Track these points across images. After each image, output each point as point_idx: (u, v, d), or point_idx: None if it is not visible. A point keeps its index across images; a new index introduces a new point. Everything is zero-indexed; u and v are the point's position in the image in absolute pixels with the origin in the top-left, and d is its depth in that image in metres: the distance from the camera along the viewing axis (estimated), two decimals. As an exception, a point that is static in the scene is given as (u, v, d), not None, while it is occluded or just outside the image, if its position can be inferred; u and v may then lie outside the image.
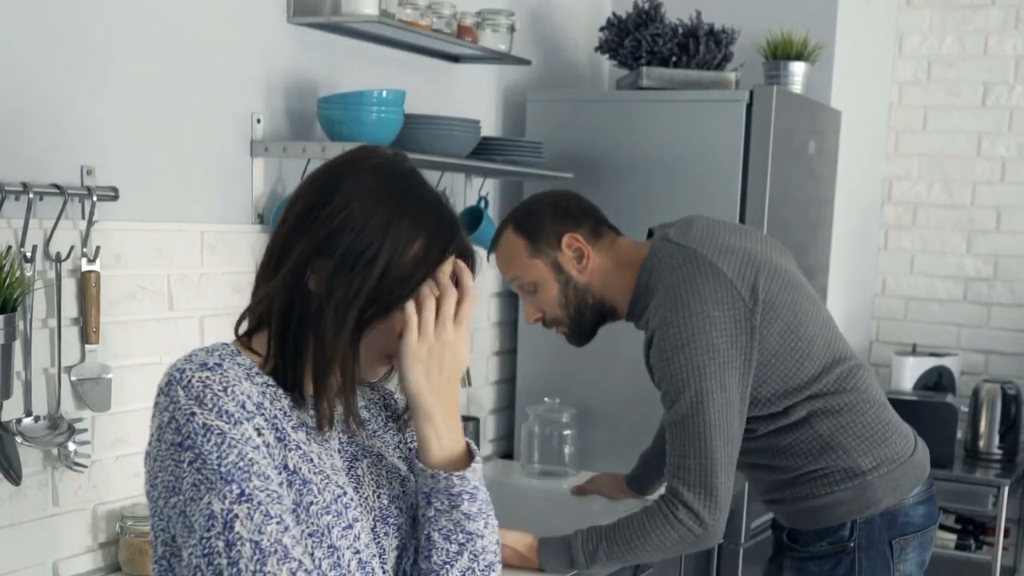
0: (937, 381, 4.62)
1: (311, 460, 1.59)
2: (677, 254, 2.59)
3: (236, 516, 1.46)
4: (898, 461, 2.63)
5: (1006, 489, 4.16)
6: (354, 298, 1.55)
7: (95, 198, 2.33)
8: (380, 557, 1.65)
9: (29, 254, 2.25)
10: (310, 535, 1.55)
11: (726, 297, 2.51)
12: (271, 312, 1.60)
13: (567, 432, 3.52)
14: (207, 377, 1.51)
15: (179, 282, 2.60)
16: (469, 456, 1.65)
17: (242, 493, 1.47)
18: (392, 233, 1.56)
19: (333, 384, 1.60)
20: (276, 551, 1.46)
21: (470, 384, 3.20)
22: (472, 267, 1.65)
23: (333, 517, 1.57)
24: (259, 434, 1.53)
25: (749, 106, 3.40)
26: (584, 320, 2.73)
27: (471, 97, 3.57)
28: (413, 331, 1.58)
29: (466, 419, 3.45)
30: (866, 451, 2.59)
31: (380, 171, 1.62)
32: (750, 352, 2.51)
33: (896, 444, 2.64)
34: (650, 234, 2.72)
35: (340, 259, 1.55)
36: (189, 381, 1.51)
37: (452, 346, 1.59)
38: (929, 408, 4.30)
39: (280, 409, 1.59)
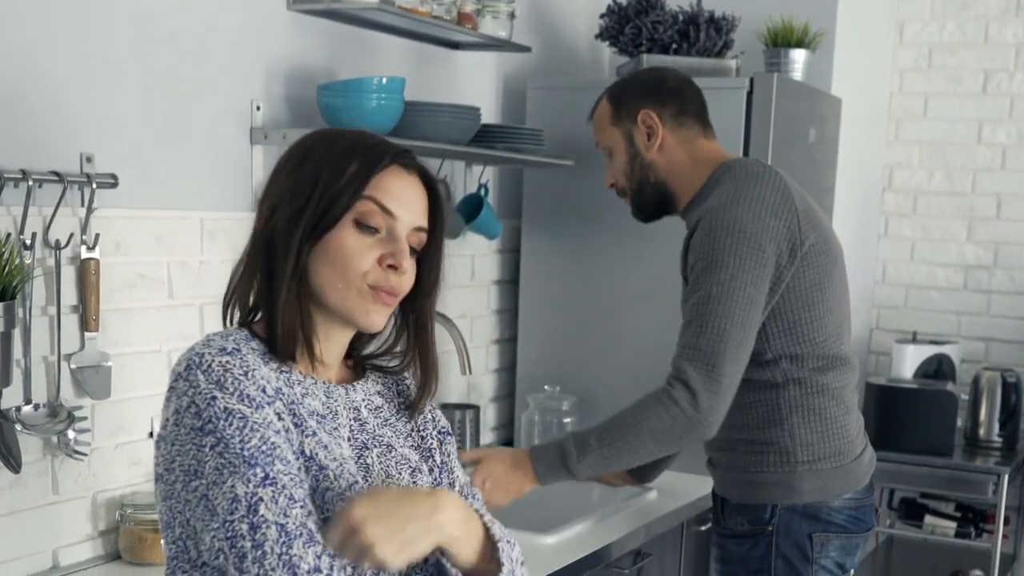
0: (937, 369, 4.61)
1: (325, 446, 1.59)
2: (761, 168, 2.69)
3: (261, 499, 1.46)
4: (832, 462, 2.63)
5: (1006, 477, 4.15)
6: (297, 221, 1.58)
7: (94, 185, 2.33)
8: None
9: (28, 241, 2.25)
10: (324, 522, 1.55)
11: (785, 216, 2.57)
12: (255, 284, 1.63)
13: (567, 420, 3.51)
14: (227, 361, 1.52)
15: (179, 270, 2.60)
16: (492, 544, 1.62)
17: (266, 476, 1.47)
18: (329, 160, 1.61)
19: (286, 311, 1.60)
20: (302, 534, 1.47)
21: (470, 372, 3.20)
22: (425, 174, 1.69)
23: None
24: (279, 419, 1.54)
25: (750, 93, 3.39)
26: (644, 197, 2.78)
27: (471, 84, 3.56)
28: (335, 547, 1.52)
29: (466, 407, 3.45)
30: (808, 443, 2.61)
31: (314, 135, 1.69)
32: (785, 273, 2.55)
33: (839, 447, 2.64)
34: None
35: (289, 199, 1.60)
36: (209, 365, 1.51)
37: (367, 522, 1.49)
38: (929, 396, 4.30)
39: (296, 395, 1.60)
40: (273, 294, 1.60)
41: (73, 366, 2.38)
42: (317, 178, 1.59)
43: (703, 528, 3.33)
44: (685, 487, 3.27)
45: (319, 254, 1.60)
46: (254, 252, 1.63)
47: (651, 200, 2.78)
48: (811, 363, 2.61)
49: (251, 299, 1.66)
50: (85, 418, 2.38)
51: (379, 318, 1.65)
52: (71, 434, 2.35)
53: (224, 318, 1.68)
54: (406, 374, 1.80)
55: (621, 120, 2.75)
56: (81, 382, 2.39)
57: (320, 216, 1.59)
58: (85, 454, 2.38)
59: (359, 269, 1.60)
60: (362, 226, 1.61)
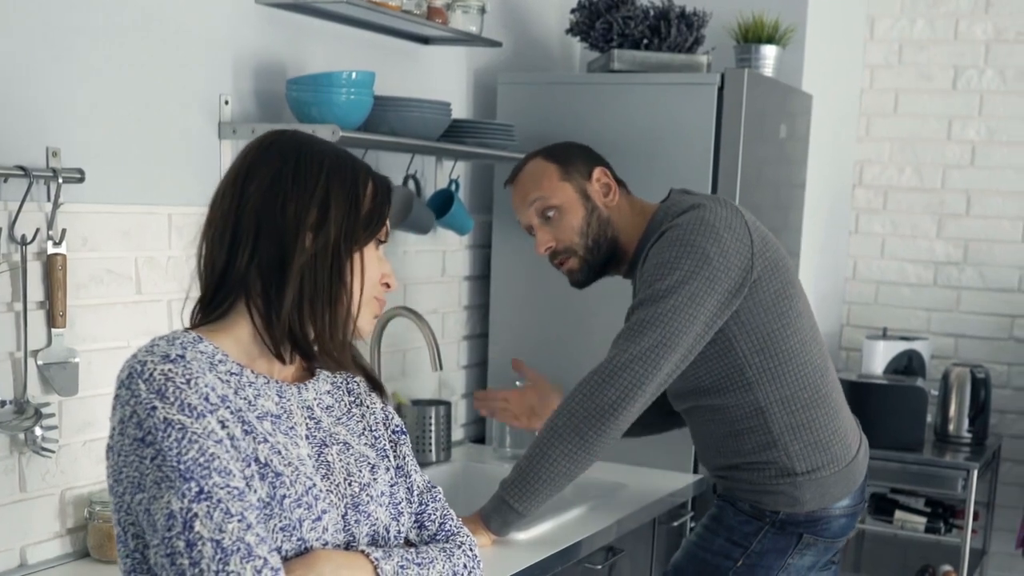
0: (907, 365, 4.64)
1: (279, 452, 1.58)
2: (699, 196, 2.74)
3: (195, 515, 1.45)
4: (831, 468, 2.68)
5: (975, 472, 4.17)
6: (353, 232, 1.64)
7: (61, 180, 2.31)
8: (349, 545, 1.65)
9: (-6, 237, 2.23)
10: (282, 529, 1.54)
11: (738, 229, 2.60)
12: (249, 280, 1.62)
13: (539, 416, 3.50)
14: (169, 370, 1.50)
15: (147, 265, 2.58)
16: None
17: (201, 491, 1.45)
18: (352, 179, 1.66)
19: (345, 322, 1.66)
20: (239, 549, 1.45)
21: (441, 368, 3.19)
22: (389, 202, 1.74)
23: (304, 510, 1.57)
24: (223, 427, 1.52)
25: (720, 89, 3.39)
26: (598, 253, 2.79)
27: (441, 79, 3.55)
28: None
29: (437, 403, 3.44)
30: (805, 456, 2.65)
31: (315, 140, 1.71)
32: (737, 287, 2.56)
33: (835, 452, 2.69)
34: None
35: (343, 205, 1.64)
36: (151, 374, 1.49)
37: None
38: (899, 392, 4.32)
39: (244, 399, 1.59)
40: (315, 297, 1.63)
41: (40, 362, 2.35)
42: (354, 195, 1.65)
43: (675, 524, 3.33)
44: (657, 483, 3.27)
45: None
46: (305, 261, 1.62)
47: (603, 257, 2.81)
48: (791, 379, 2.63)
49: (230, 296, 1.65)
50: (52, 415, 2.36)
51: (373, 325, 1.75)
52: (38, 431, 2.32)
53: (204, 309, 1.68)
54: (356, 376, 1.82)
55: (572, 176, 2.77)
56: (48, 379, 2.36)
57: (363, 229, 1.66)
58: (52, 451, 2.35)
59: (373, 282, 1.69)
60: (378, 242, 1.70)
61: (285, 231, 1.61)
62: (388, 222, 1.71)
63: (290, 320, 1.62)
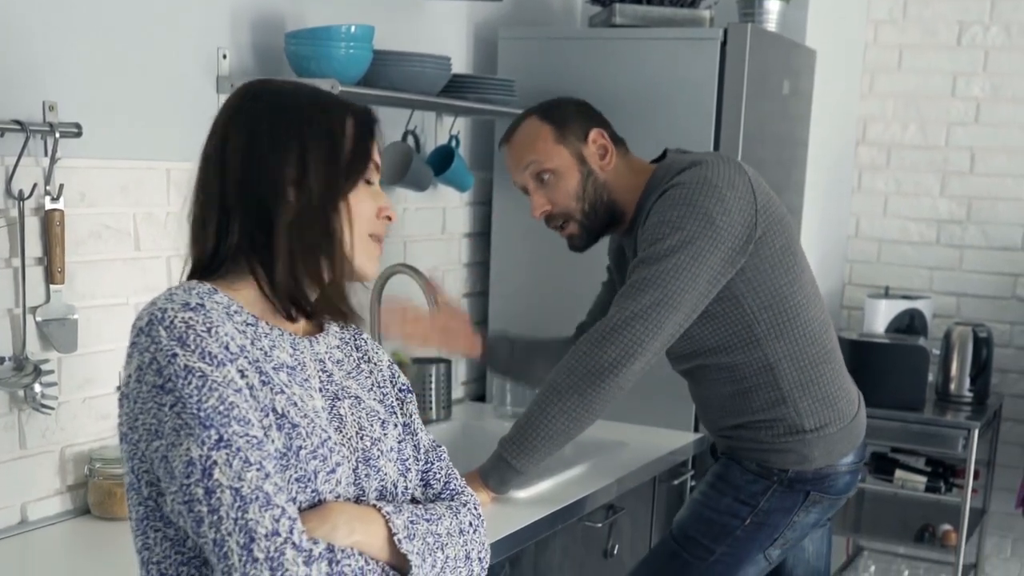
0: (909, 324, 4.63)
1: (295, 404, 1.58)
2: (698, 153, 2.71)
3: (215, 463, 1.44)
4: (838, 424, 2.70)
5: (976, 431, 4.17)
6: (335, 180, 1.62)
7: (58, 135, 2.28)
8: (359, 499, 1.64)
9: (-9, 192, 2.21)
10: (297, 480, 1.54)
11: (741, 187, 2.58)
12: (244, 245, 1.61)
13: (539, 374, 3.49)
14: (190, 318, 1.50)
15: (145, 221, 2.56)
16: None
17: (220, 439, 1.45)
18: (326, 120, 1.64)
19: (341, 271, 1.64)
20: (257, 498, 1.44)
21: (442, 325, 3.17)
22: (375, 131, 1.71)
23: (319, 462, 1.57)
24: (242, 376, 1.52)
25: (723, 44, 3.36)
26: (596, 217, 2.75)
27: (441, 34, 3.52)
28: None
29: (437, 361, 3.43)
30: (814, 412, 2.66)
31: (288, 89, 1.68)
32: (741, 245, 2.55)
33: (841, 408, 2.71)
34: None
35: (322, 155, 1.61)
36: (172, 321, 1.49)
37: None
38: (901, 351, 4.31)
39: (261, 349, 1.59)
40: (307, 254, 1.61)
41: (39, 319, 2.34)
42: (332, 141, 1.63)
43: (675, 482, 3.33)
44: (658, 441, 3.27)
45: None
46: (291, 220, 1.60)
47: (601, 221, 2.76)
48: (799, 335, 2.64)
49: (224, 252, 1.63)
50: (52, 371, 2.35)
51: (377, 265, 1.72)
52: (37, 388, 2.32)
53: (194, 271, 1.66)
54: (363, 332, 1.82)
55: (567, 139, 2.72)
56: (47, 335, 2.35)
57: (346, 175, 1.63)
58: (52, 408, 2.35)
59: (365, 220, 1.66)
60: (367, 181, 1.67)
61: (266, 195, 1.59)
62: (377, 157, 1.69)
63: (287, 282, 1.61)
